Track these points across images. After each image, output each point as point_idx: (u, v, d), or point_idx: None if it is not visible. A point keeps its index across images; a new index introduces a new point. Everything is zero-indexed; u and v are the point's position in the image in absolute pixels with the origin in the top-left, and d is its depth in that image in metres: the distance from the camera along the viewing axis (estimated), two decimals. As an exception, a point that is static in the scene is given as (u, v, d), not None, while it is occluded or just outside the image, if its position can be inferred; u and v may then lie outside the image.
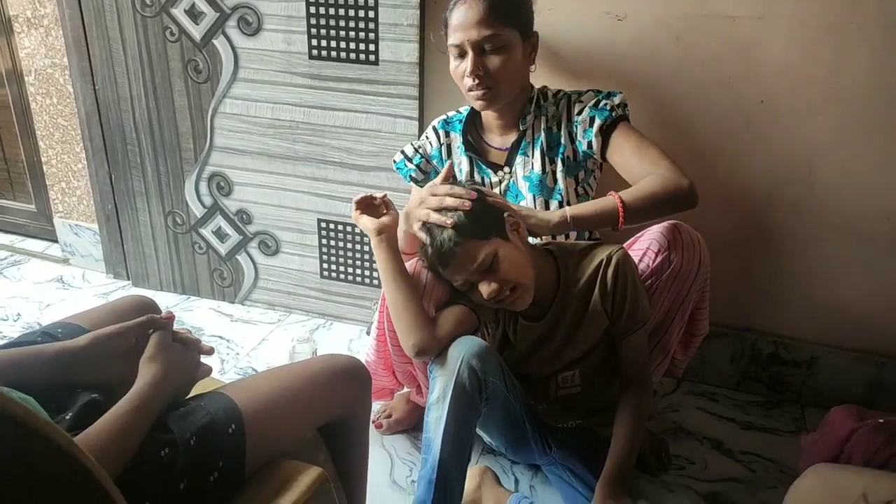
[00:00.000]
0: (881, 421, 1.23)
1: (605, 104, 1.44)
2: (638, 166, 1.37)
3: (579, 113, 1.46)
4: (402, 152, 1.65)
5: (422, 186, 1.62)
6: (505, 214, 1.27)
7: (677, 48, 1.59)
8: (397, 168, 1.67)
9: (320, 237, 2.04)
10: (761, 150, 1.63)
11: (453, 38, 1.41)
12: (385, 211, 1.36)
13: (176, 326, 0.93)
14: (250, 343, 2.02)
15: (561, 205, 1.48)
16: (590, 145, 1.45)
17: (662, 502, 1.47)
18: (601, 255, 1.31)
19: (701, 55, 1.58)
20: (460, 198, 1.23)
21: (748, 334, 1.82)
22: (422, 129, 1.80)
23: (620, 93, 1.46)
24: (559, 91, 1.53)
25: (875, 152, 1.56)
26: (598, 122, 1.43)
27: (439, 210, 1.23)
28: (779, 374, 1.83)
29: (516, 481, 1.53)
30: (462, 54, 1.41)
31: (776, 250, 1.73)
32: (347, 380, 0.98)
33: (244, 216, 2.10)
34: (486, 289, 1.23)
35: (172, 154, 2.08)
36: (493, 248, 1.22)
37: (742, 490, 1.52)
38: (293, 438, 0.91)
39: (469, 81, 1.41)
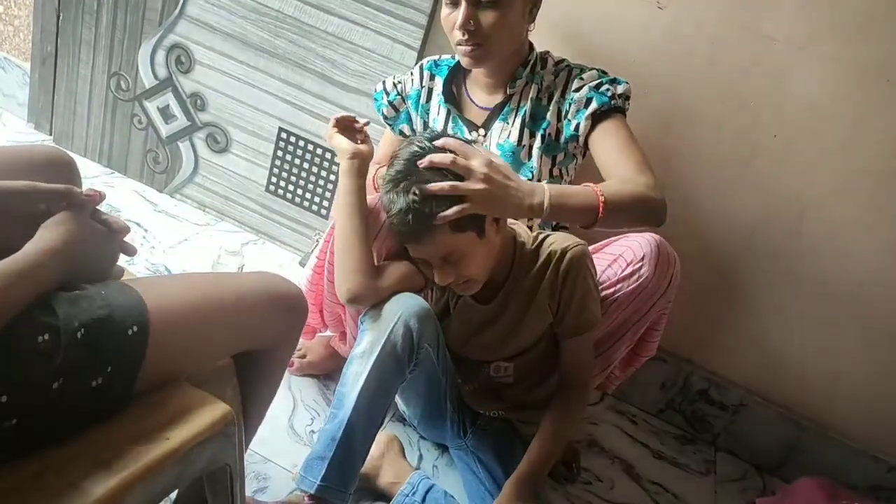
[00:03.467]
0: None
1: (607, 89, 1.30)
2: (619, 165, 1.23)
3: (577, 90, 1.32)
4: (383, 83, 1.50)
5: (392, 125, 1.50)
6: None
7: (708, 54, 1.49)
8: (375, 98, 1.52)
9: (277, 147, 1.86)
10: (759, 184, 1.56)
11: None
12: (361, 140, 1.22)
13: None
14: (170, 239, 1.82)
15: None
16: (577, 127, 1.31)
17: (563, 515, 1.41)
18: (557, 247, 1.20)
19: (729, 68, 1.49)
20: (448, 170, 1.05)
21: (686, 365, 1.77)
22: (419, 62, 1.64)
23: (627, 83, 1.32)
24: (562, 60, 1.39)
25: (870, 215, 1.52)
26: (593, 105, 1.28)
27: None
28: (703, 412, 1.80)
29: (420, 457, 1.43)
30: (455, 2, 1.26)
31: (741, 288, 1.68)
32: (283, 309, 0.83)
33: (198, 101, 1.89)
34: (439, 276, 1.13)
35: (136, 9, 1.84)
36: (464, 245, 1.10)
37: (642, 520, 1.48)
38: (204, 361, 0.76)
39: (458, 35, 1.26)
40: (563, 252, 1.19)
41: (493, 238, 1.14)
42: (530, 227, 1.35)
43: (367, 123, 1.24)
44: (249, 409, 0.92)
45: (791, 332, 1.67)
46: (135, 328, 0.65)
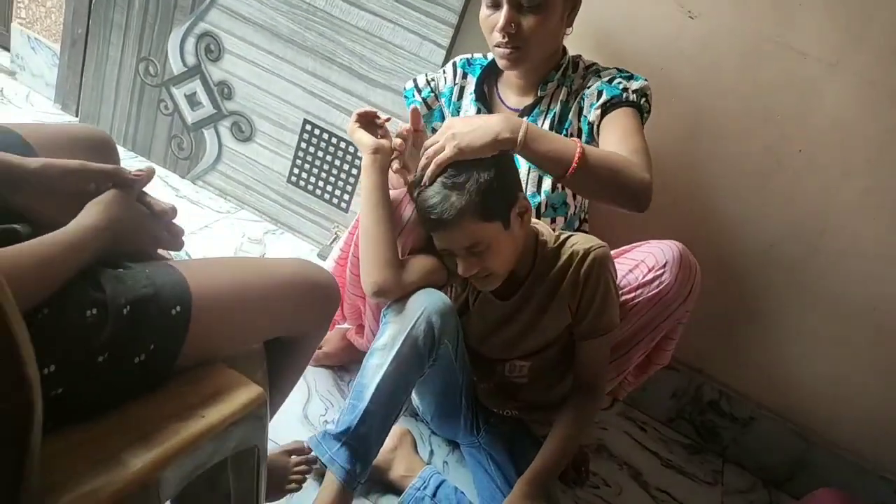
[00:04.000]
0: None
1: (619, 83, 1.30)
2: (615, 145, 1.22)
3: (591, 86, 1.33)
4: (414, 81, 1.50)
5: (426, 122, 1.49)
6: (518, 195, 1.15)
7: (737, 65, 1.49)
8: (405, 95, 1.53)
9: (301, 139, 1.87)
10: (781, 199, 1.56)
11: None
12: (382, 135, 1.23)
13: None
14: (190, 226, 1.84)
15: (554, 186, 1.37)
16: (591, 120, 1.31)
17: (572, 517, 1.41)
18: (580, 248, 1.20)
19: (759, 81, 1.49)
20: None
21: (698, 375, 1.78)
22: (447, 61, 1.64)
23: (645, 80, 1.32)
24: (592, 64, 1.39)
25: (891, 237, 1.51)
26: (604, 97, 1.29)
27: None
28: (713, 423, 1.80)
29: (431, 453, 1.44)
30: (496, 4, 1.26)
31: (756, 303, 1.68)
32: (318, 298, 0.84)
33: (225, 90, 1.90)
34: (463, 266, 1.14)
35: (168, -5, 1.85)
36: (490, 235, 1.11)
37: (649, 526, 1.48)
38: (240, 343, 0.77)
39: (497, 37, 1.26)
40: (586, 253, 1.19)
41: (516, 231, 1.15)
42: (553, 228, 1.36)
43: (388, 119, 1.24)
44: (273, 394, 0.93)
45: (804, 349, 1.67)
46: (178, 308, 0.67)
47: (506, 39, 1.26)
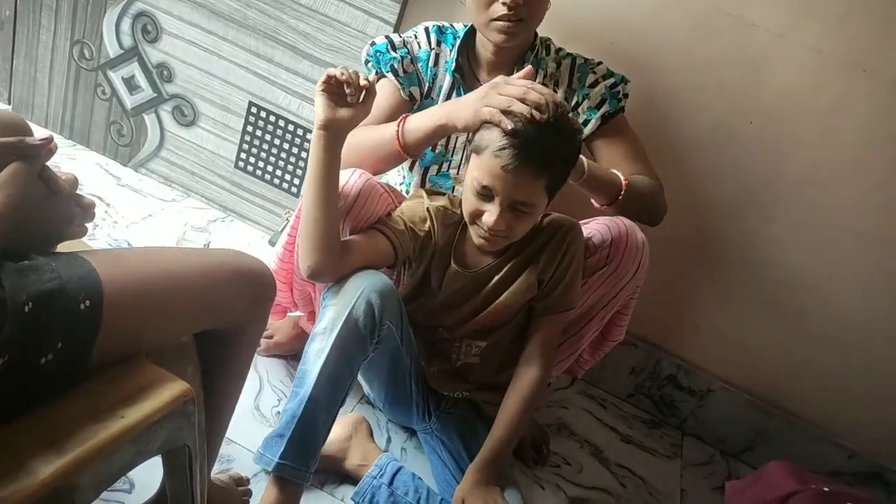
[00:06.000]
0: (826, 490, 1.15)
1: (618, 90, 1.35)
2: (629, 167, 1.31)
3: (592, 85, 1.35)
4: (387, 37, 1.36)
5: (402, 84, 1.34)
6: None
7: (689, 38, 1.48)
8: (374, 53, 1.35)
9: (247, 122, 1.81)
10: (733, 172, 1.56)
11: None
12: (354, 102, 1.07)
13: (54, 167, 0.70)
14: (133, 215, 1.76)
15: None
16: (585, 123, 1.34)
17: (529, 496, 1.40)
18: (558, 223, 1.23)
19: (709, 53, 1.48)
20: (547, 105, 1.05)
21: (656, 350, 1.78)
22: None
23: (630, 81, 1.36)
24: (560, 49, 1.39)
25: (842, 205, 1.52)
26: (606, 107, 1.34)
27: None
28: (671, 397, 1.80)
29: (389, 440, 1.41)
30: None
31: (711, 276, 1.68)
32: (250, 286, 0.79)
33: (165, 72, 1.82)
34: (498, 218, 1.09)
35: (100, -26, 1.76)
36: (539, 202, 1.11)
37: (609, 503, 1.48)
38: (163, 337, 0.72)
39: (501, 9, 1.20)
40: (569, 227, 1.22)
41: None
42: None
43: (370, 83, 1.06)
44: (216, 392, 0.88)
45: (759, 320, 1.68)
46: (87, 302, 0.62)
47: (512, 11, 1.21)
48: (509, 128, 1.03)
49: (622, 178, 1.23)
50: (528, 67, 1.12)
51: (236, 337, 0.83)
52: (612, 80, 1.35)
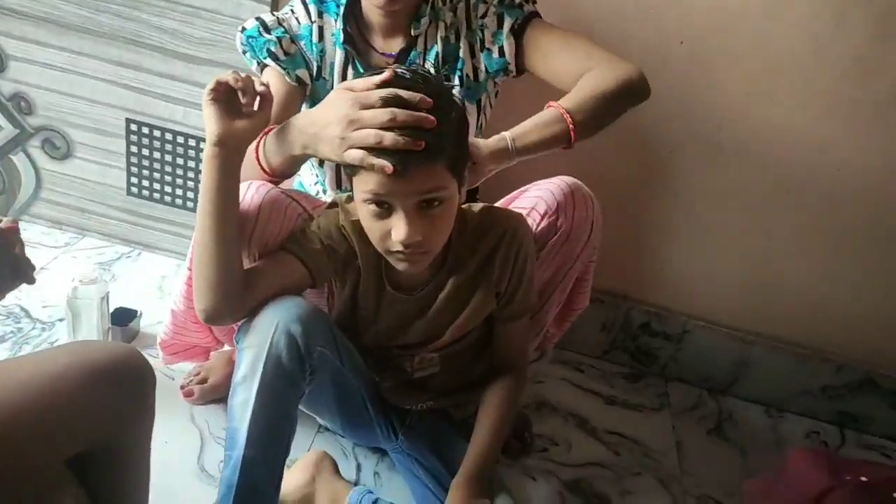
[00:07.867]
0: (864, 479, 0.99)
1: (510, 1, 1.17)
2: (571, 64, 1.15)
3: (483, 16, 1.18)
4: (258, 19, 1.19)
5: (287, 70, 1.18)
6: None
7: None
8: (247, 40, 1.18)
9: (129, 143, 1.59)
10: (673, 99, 1.43)
11: None
12: (250, 110, 0.94)
13: None
14: (23, 271, 1.54)
15: None
16: (501, 52, 1.18)
17: (523, 495, 1.29)
18: (503, 225, 1.05)
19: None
20: (417, 107, 0.86)
21: (624, 302, 1.68)
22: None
23: None
24: None
25: (790, 118, 1.43)
26: (507, 20, 1.17)
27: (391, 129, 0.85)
28: (647, 345, 1.72)
29: (359, 467, 1.28)
30: None
31: (668, 212, 1.58)
32: (116, 383, 0.61)
33: (22, 103, 1.59)
34: (409, 228, 0.89)
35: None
36: (449, 188, 0.91)
37: (606, 477, 1.39)
38: (19, 480, 0.54)
39: None
40: (514, 232, 1.04)
41: (458, 200, 0.96)
42: None
43: (266, 89, 0.95)
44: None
45: (721, 248, 1.60)
46: None
47: None
48: (389, 170, 0.85)
49: (563, 115, 1.05)
50: (389, 70, 0.91)
51: (118, 448, 0.66)
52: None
